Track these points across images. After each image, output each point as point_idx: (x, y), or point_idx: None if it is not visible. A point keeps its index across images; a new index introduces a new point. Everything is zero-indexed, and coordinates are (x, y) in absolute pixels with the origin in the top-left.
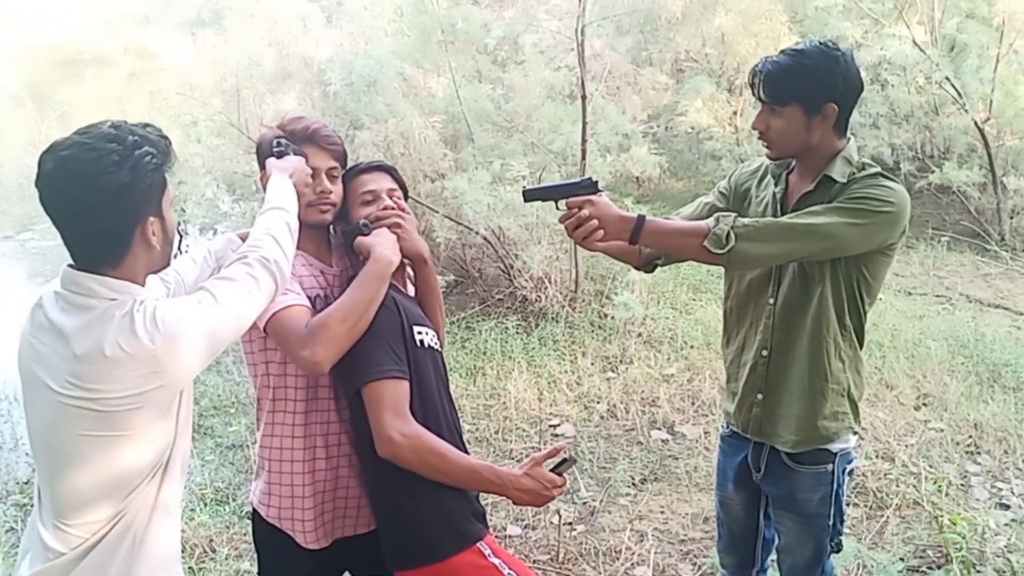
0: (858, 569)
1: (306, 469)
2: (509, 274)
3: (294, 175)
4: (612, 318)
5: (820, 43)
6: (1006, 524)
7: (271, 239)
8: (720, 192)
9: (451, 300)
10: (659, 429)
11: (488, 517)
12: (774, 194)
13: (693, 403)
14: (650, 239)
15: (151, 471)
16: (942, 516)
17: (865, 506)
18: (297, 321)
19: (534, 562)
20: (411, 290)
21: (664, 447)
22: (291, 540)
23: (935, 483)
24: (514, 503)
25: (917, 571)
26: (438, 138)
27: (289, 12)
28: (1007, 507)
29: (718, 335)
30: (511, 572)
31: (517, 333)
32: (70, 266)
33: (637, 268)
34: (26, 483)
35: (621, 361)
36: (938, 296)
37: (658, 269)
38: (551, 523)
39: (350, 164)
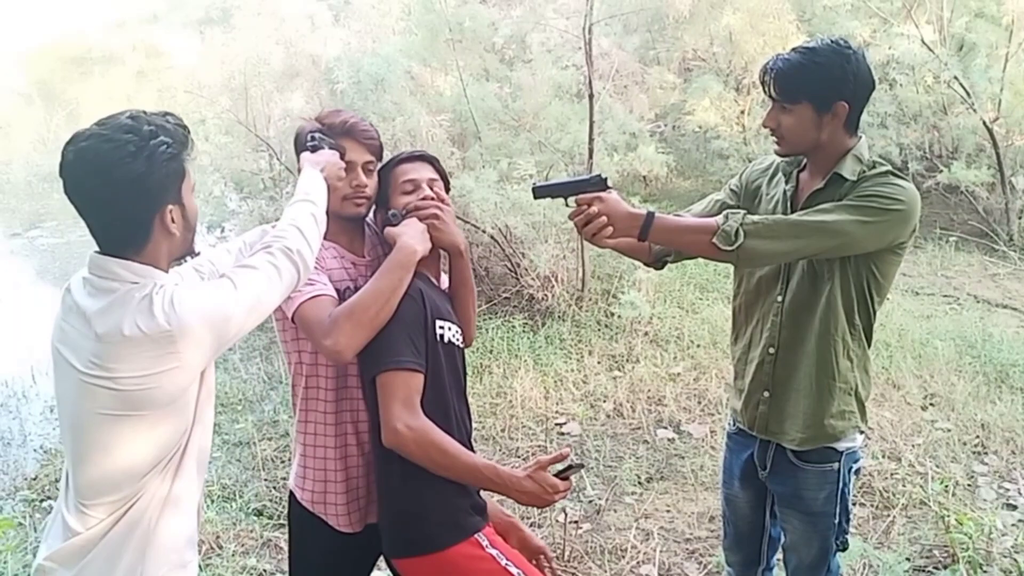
0: (864, 569)
1: (338, 455)
2: (516, 273)
3: (326, 169)
4: (619, 317)
5: (832, 41)
6: (1013, 524)
7: (295, 229)
8: (731, 189)
9: None
10: (665, 428)
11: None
12: (784, 191)
13: (699, 402)
14: (659, 236)
15: (166, 457)
16: (949, 516)
17: (871, 506)
18: (322, 310)
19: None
20: (444, 282)
21: (670, 446)
22: (324, 524)
23: (942, 483)
24: (516, 503)
25: (923, 571)
26: (445, 136)
27: (297, 11)
28: (1014, 507)
29: (725, 334)
30: (508, 562)
31: (524, 332)
32: (96, 252)
33: (647, 265)
34: (34, 479)
35: (627, 360)
36: (946, 296)
37: (665, 268)
38: (557, 521)
39: (393, 152)
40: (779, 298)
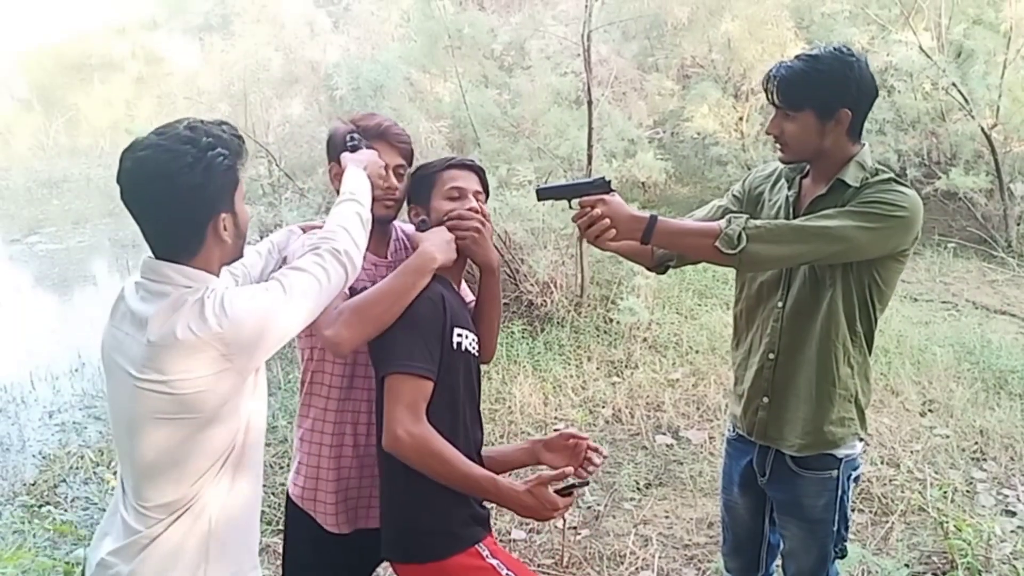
0: (863, 575)
1: (332, 454)
2: (515, 278)
3: (368, 168)
4: (617, 323)
5: (835, 48)
6: (1012, 531)
7: (343, 231)
8: (734, 195)
9: None
10: (664, 434)
11: (492, 520)
12: (787, 197)
13: (698, 408)
14: (662, 239)
15: (220, 458)
16: (948, 522)
17: (870, 512)
18: (331, 303)
19: (538, 566)
20: (466, 293)
21: (669, 452)
22: (314, 522)
23: (941, 489)
24: (516, 515)
25: None
26: (444, 143)
27: (296, 17)
28: (1013, 514)
29: (723, 340)
30: (509, 572)
31: (523, 337)
32: (149, 257)
33: (649, 269)
34: (32, 484)
35: (626, 366)
36: (944, 302)
37: (667, 273)
38: (556, 527)
39: (445, 156)
40: (780, 304)
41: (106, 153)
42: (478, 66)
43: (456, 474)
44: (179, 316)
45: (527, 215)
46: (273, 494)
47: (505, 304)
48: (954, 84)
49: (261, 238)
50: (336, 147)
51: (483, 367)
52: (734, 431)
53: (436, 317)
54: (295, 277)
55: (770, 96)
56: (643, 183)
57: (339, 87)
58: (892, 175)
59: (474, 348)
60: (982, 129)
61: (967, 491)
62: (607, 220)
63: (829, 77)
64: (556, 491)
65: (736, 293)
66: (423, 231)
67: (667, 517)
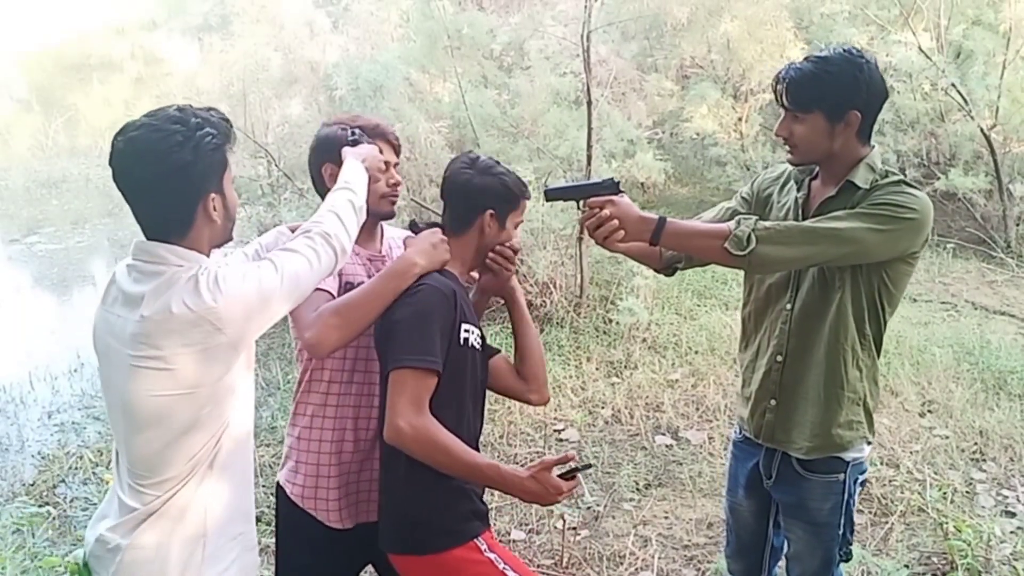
0: (862, 575)
1: (333, 450)
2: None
3: (367, 160)
4: (617, 323)
5: (844, 50)
6: (1012, 532)
7: (334, 215)
8: (743, 197)
9: None
10: (663, 434)
11: (492, 521)
12: (796, 199)
13: (697, 408)
14: (670, 240)
15: (215, 434)
16: (947, 523)
17: (870, 512)
18: (312, 305)
19: (538, 567)
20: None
21: (668, 452)
22: (313, 520)
23: (940, 490)
24: (520, 501)
25: None
26: (444, 143)
27: (296, 17)
28: (1013, 515)
29: (723, 341)
30: (506, 567)
31: None
32: (140, 239)
33: (657, 271)
34: (32, 485)
35: (626, 366)
36: (943, 303)
37: (672, 275)
38: (555, 528)
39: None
40: (788, 306)
41: (105, 153)
42: (477, 66)
43: (459, 463)
44: (173, 292)
45: (527, 216)
46: (272, 494)
47: (504, 305)
48: (953, 85)
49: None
50: (329, 149)
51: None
52: (740, 433)
53: (447, 312)
54: (286, 258)
55: (779, 98)
56: (642, 183)
57: (338, 87)
58: (902, 177)
59: (478, 343)
60: (981, 130)
61: (967, 492)
62: (616, 221)
63: (839, 79)
64: (559, 475)
65: (744, 295)
66: (416, 232)
67: (666, 517)
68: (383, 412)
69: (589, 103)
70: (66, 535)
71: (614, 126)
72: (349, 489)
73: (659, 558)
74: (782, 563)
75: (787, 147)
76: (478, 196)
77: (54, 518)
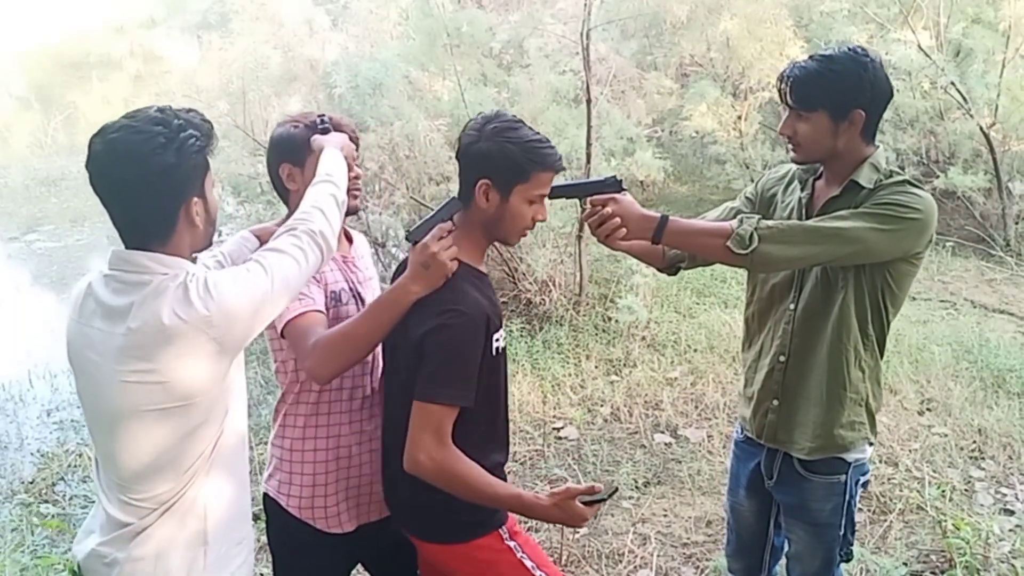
0: (861, 573)
1: (331, 457)
2: (514, 277)
3: (344, 149)
4: (616, 321)
5: (849, 49)
6: (1010, 529)
7: (318, 212)
8: (747, 197)
9: None
10: (662, 432)
11: None
12: (800, 199)
13: (696, 407)
14: (673, 239)
15: (211, 443)
16: (946, 521)
17: (869, 511)
18: (307, 330)
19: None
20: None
21: (667, 450)
22: (313, 529)
23: (939, 488)
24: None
25: None
26: (443, 141)
27: (295, 15)
28: (1011, 512)
29: (722, 339)
30: (523, 555)
31: (521, 336)
32: (118, 248)
33: (660, 270)
34: (31, 482)
35: (625, 364)
36: (943, 301)
37: (675, 275)
38: (554, 526)
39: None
40: (791, 306)
41: None
42: (477, 64)
43: (480, 495)
44: (163, 302)
45: None
46: None
47: (504, 303)
48: (953, 83)
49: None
50: (285, 149)
51: None
52: (742, 433)
53: (480, 340)
54: (274, 258)
55: (783, 96)
56: (642, 182)
57: (338, 85)
58: (906, 177)
59: (506, 342)
60: (980, 128)
61: (965, 490)
62: (618, 219)
63: (843, 78)
64: (583, 502)
65: (748, 295)
66: (411, 241)
67: (665, 515)
68: (393, 412)
69: (588, 101)
70: (65, 533)
71: (613, 124)
72: (350, 493)
73: (658, 556)
74: (782, 562)
75: (790, 146)
76: (474, 163)
77: (53, 516)
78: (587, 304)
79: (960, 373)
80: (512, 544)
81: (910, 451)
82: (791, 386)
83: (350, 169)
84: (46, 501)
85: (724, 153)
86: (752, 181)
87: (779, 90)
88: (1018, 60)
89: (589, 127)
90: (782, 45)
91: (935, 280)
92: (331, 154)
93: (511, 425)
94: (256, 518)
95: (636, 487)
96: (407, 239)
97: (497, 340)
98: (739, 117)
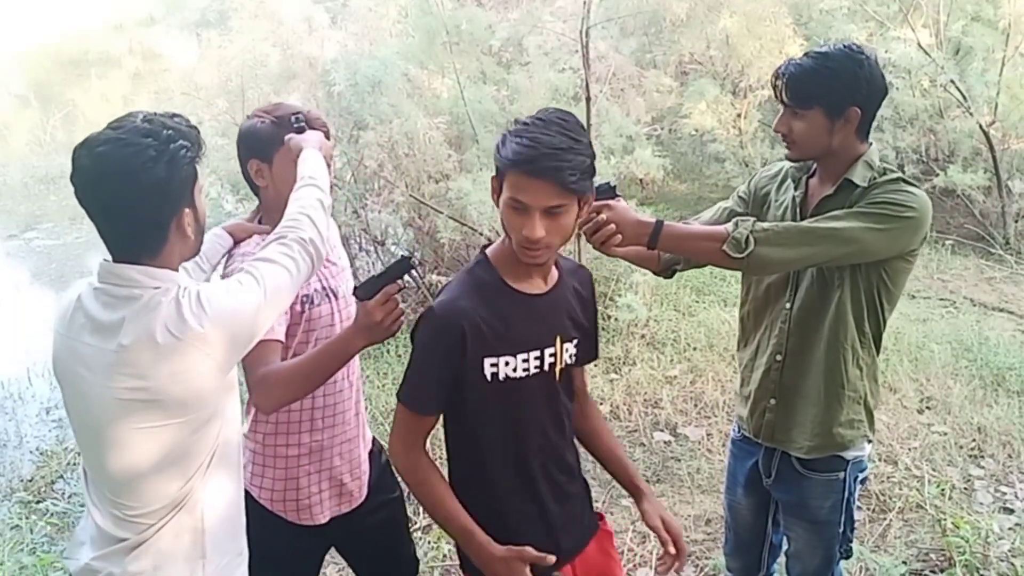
0: (861, 572)
1: (303, 451)
2: None
3: (322, 148)
4: (615, 320)
5: (844, 46)
6: (1010, 528)
7: (307, 219)
8: (740, 197)
9: None
10: (662, 431)
11: None
12: (793, 198)
13: (696, 405)
14: (668, 244)
15: (207, 456)
16: (945, 520)
17: (868, 509)
18: (259, 360)
19: None
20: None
21: (667, 449)
22: (285, 521)
23: (938, 486)
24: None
25: (920, 574)
26: (443, 139)
27: (294, 13)
28: (1011, 511)
29: (721, 337)
30: None
31: None
32: (107, 260)
33: (656, 274)
34: (30, 480)
35: (624, 362)
36: (942, 299)
37: (671, 278)
38: None
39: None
40: (788, 305)
41: None
42: (476, 62)
43: (438, 510)
44: (156, 318)
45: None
46: None
47: None
48: (952, 81)
49: None
50: (251, 144)
51: None
52: (739, 432)
53: (441, 347)
54: (266, 269)
55: (779, 93)
56: (641, 180)
57: (337, 83)
58: (900, 175)
59: (521, 373)
60: (980, 126)
61: (965, 488)
62: (613, 226)
63: (839, 75)
64: (533, 571)
65: (743, 295)
66: (362, 299)
67: None
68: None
69: (588, 99)
70: (64, 531)
71: (613, 122)
72: (323, 486)
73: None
74: (781, 560)
75: (785, 143)
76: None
77: (52, 514)
78: None
79: (960, 371)
80: None
81: (909, 449)
82: (788, 385)
83: (328, 167)
84: (45, 499)
85: (723, 151)
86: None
87: (774, 87)
88: (1018, 58)
89: (588, 125)
90: (781, 43)
91: (934, 278)
92: (311, 155)
93: None
94: None
95: None
96: (353, 294)
97: (493, 366)
98: (739, 115)
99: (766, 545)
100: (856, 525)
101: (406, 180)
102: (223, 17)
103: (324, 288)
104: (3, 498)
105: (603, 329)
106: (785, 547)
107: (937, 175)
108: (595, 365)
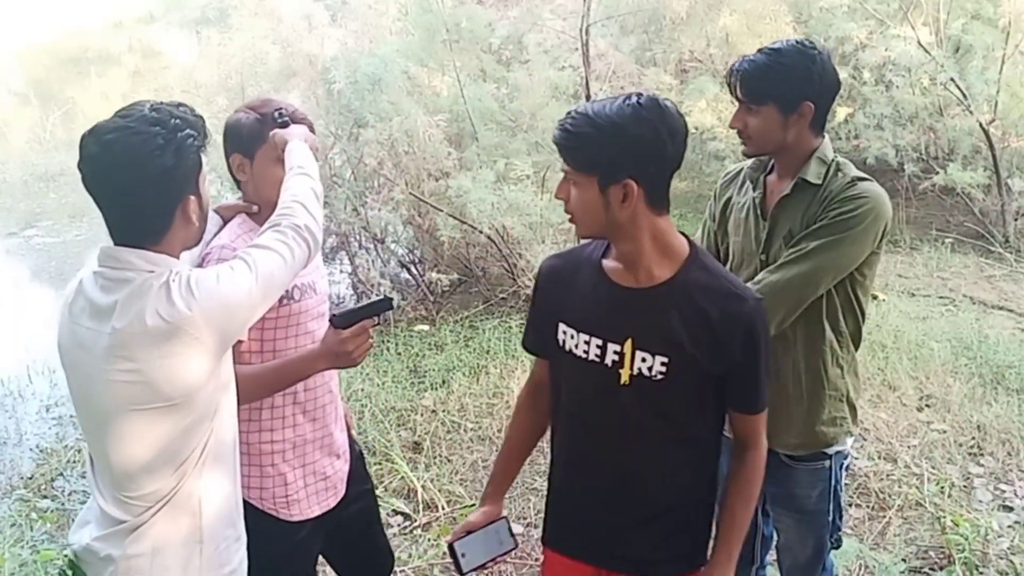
0: (860, 570)
1: (287, 447)
2: (513, 273)
3: (308, 140)
4: None
5: (797, 42)
6: (1009, 526)
7: (300, 206)
8: (712, 215)
9: (454, 299)
10: None
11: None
12: (753, 199)
13: None
14: None
15: (203, 441)
16: (944, 517)
17: (867, 507)
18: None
19: (536, 560)
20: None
21: None
22: (275, 519)
23: (938, 484)
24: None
25: (919, 572)
26: (442, 137)
27: (294, 10)
28: (1010, 509)
29: None
30: None
31: (520, 332)
32: (107, 244)
33: None
34: (30, 478)
35: None
36: (941, 298)
37: None
38: None
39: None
40: None
41: None
42: (476, 60)
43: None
44: (146, 302)
45: (525, 210)
46: None
47: (503, 299)
48: (952, 79)
49: None
50: (234, 139)
51: (478, 361)
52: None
53: (535, 295)
54: (259, 256)
55: (733, 90)
56: None
57: (337, 80)
58: (853, 175)
59: (584, 354)
60: (980, 124)
61: (964, 486)
62: None
63: (791, 70)
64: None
65: None
66: (339, 326)
67: None
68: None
69: (588, 97)
70: (64, 528)
71: None
72: (308, 481)
73: None
74: (773, 553)
75: (741, 139)
76: None
77: (52, 511)
78: None
79: (959, 369)
80: None
81: (909, 447)
82: (771, 388)
83: (316, 160)
84: (45, 496)
85: (723, 149)
86: None
87: (729, 84)
88: (1018, 56)
89: None
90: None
91: (934, 276)
92: (298, 146)
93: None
94: None
95: None
96: (330, 321)
97: (564, 332)
98: None
99: (758, 537)
100: (855, 523)
101: (406, 178)
102: (223, 14)
103: (304, 284)
104: (3, 495)
105: None
106: (776, 539)
107: (937, 173)
108: None
